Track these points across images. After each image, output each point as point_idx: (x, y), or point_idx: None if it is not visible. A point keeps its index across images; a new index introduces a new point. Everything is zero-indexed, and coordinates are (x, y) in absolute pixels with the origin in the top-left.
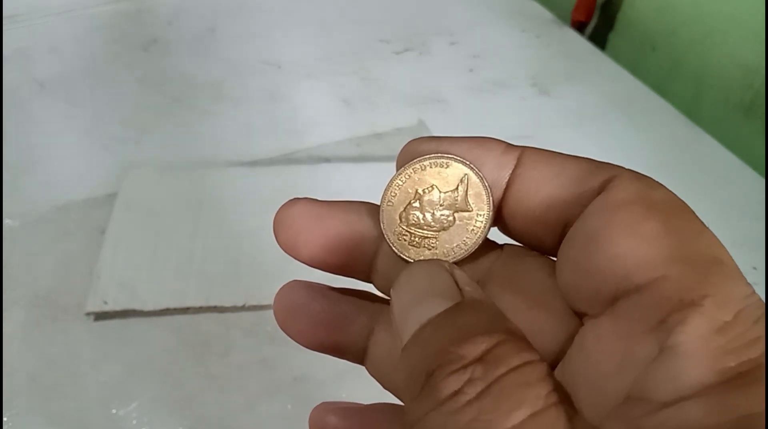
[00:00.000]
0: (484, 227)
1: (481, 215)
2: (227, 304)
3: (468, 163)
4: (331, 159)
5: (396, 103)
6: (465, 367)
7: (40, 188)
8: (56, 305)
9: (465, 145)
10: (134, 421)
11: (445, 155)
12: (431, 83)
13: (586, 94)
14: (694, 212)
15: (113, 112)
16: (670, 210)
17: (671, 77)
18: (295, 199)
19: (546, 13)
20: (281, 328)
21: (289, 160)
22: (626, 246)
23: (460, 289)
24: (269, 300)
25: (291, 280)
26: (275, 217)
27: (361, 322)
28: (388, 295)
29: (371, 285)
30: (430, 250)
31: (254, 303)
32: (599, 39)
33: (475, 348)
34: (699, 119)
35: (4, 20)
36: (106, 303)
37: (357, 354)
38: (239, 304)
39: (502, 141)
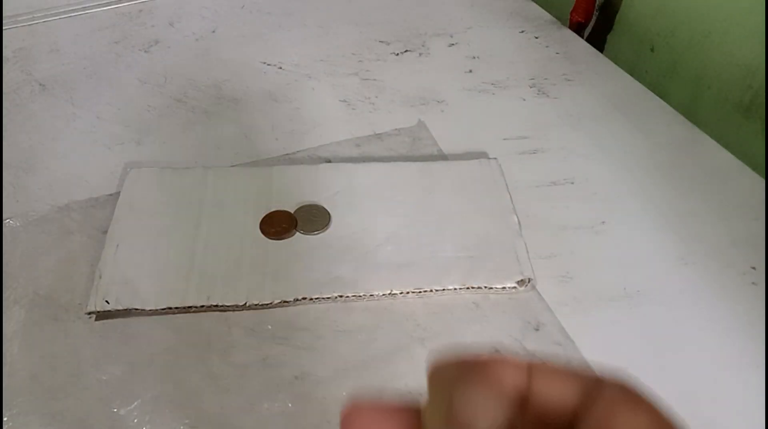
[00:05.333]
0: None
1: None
2: (228, 304)
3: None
4: (332, 159)
5: (396, 104)
6: None
7: (41, 188)
8: (57, 305)
9: (485, 364)
10: (135, 420)
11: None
12: (431, 84)
13: (585, 95)
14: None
15: (114, 113)
16: (648, 405)
17: (670, 78)
18: (355, 403)
19: (545, 14)
20: None
21: (289, 160)
22: None
23: None
24: (270, 299)
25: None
26: (342, 421)
27: None
28: None
29: None
30: None
31: (255, 302)
32: (598, 40)
33: None
34: (698, 120)
35: (4, 20)
36: (107, 302)
37: None
38: (240, 303)
39: (511, 359)
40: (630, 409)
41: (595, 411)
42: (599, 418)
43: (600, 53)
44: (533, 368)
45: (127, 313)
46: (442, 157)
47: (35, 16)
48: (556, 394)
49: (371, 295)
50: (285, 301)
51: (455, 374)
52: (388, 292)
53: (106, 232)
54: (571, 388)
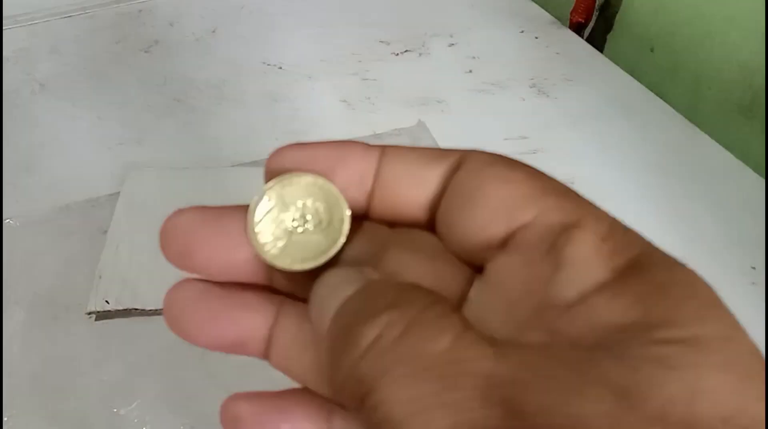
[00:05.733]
0: (345, 228)
1: (340, 220)
2: None
3: (322, 176)
4: None
5: (396, 104)
6: (380, 314)
7: (41, 188)
8: (57, 305)
9: (327, 150)
10: (135, 420)
11: (304, 171)
12: (430, 84)
13: (585, 96)
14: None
15: (115, 113)
16: (522, 164)
17: (670, 78)
18: (180, 209)
19: (545, 15)
20: (172, 327)
21: None
22: (503, 193)
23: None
24: None
25: (184, 279)
26: (162, 228)
27: (265, 310)
28: (289, 292)
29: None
30: (298, 255)
31: None
32: (598, 40)
33: (386, 299)
34: (698, 120)
35: (4, 20)
36: (107, 302)
37: (259, 346)
38: None
39: (361, 142)
40: (501, 170)
41: (459, 178)
42: (464, 183)
43: (600, 53)
44: (386, 151)
45: (127, 313)
46: None
47: (35, 16)
48: (411, 174)
49: None
50: None
51: (293, 166)
52: None
53: (106, 232)
54: (428, 166)
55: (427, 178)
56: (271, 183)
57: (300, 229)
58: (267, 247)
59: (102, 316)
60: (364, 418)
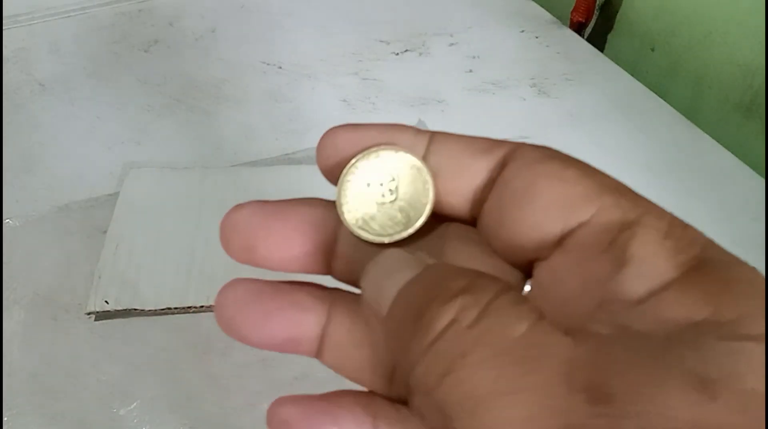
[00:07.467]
0: (429, 203)
1: (425, 197)
2: None
3: (411, 152)
4: None
5: (396, 104)
6: (454, 297)
7: (41, 188)
8: (57, 305)
9: (378, 132)
10: (135, 420)
11: (385, 146)
12: (431, 84)
13: (585, 95)
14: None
15: (114, 112)
16: (575, 160)
17: (670, 78)
18: (239, 204)
19: (545, 14)
20: (225, 327)
21: (289, 160)
22: (558, 191)
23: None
24: None
25: (234, 279)
26: (223, 223)
27: (317, 309)
28: (348, 281)
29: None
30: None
31: None
32: (598, 40)
33: (457, 283)
34: (698, 120)
35: (4, 20)
36: (107, 302)
37: (311, 345)
38: None
39: (411, 126)
40: (554, 167)
41: (509, 173)
42: (515, 180)
43: (600, 53)
44: (434, 137)
45: (127, 313)
46: None
47: (35, 16)
48: (457, 165)
49: None
50: None
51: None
52: None
53: (106, 232)
54: (476, 157)
55: (474, 169)
56: (359, 156)
57: (385, 203)
58: (352, 220)
59: (102, 316)
60: (438, 398)
